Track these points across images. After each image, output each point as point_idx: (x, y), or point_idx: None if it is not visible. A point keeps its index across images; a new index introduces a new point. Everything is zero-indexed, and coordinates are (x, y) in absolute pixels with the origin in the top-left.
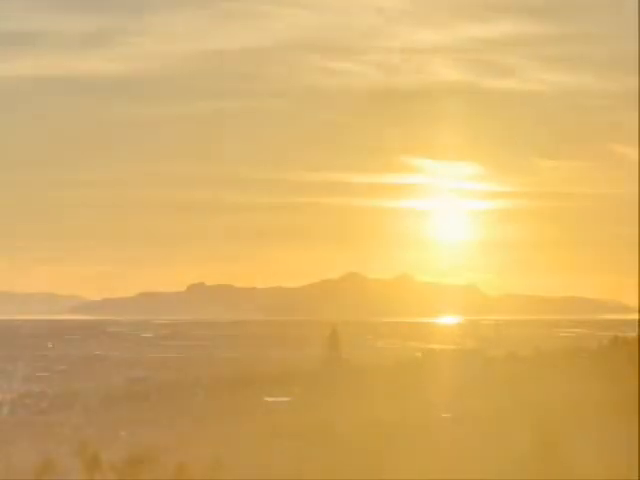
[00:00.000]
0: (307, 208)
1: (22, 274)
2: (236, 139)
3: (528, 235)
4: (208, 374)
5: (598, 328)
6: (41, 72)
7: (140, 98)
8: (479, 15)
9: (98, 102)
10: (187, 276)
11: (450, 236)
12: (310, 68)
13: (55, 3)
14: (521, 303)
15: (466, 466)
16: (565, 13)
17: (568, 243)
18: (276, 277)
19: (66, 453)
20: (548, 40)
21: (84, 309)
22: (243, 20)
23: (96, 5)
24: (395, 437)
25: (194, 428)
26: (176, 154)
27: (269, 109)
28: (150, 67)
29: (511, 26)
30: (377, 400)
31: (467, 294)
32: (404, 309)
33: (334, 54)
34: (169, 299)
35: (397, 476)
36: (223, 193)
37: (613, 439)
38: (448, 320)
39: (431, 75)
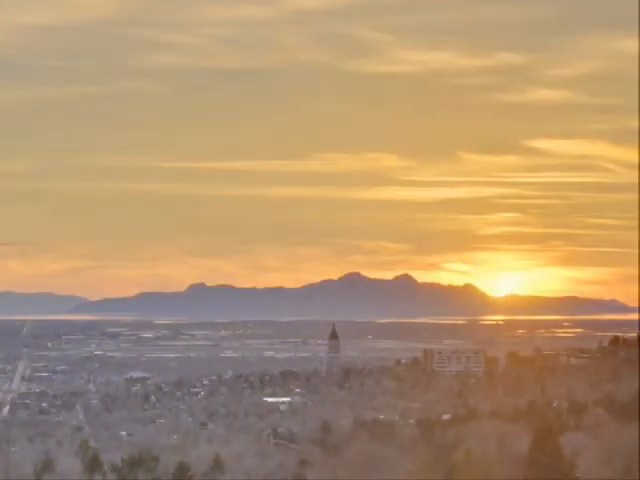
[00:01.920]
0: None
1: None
2: (119, 127)
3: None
4: (208, 374)
5: (598, 328)
6: None
7: None
8: None
9: None
10: (187, 276)
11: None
12: (147, 45)
13: None
14: (521, 303)
15: (467, 465)
16: None
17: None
18: (276, 277)
19: (66, 453)
20: (395, 9)
21: (84, 309)
22: None
23: None
24: (395, 437)
25: (194, 428)
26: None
27: (132, 91)
28: None
29: None
30: (377, 400)
31: (467, 294)
32: (404, 309)
33: (168, 29)
34: (169, 299)
35: (397, 476)
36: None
37: (613, 438)
38: (448, 320)
39: (283, 53)
